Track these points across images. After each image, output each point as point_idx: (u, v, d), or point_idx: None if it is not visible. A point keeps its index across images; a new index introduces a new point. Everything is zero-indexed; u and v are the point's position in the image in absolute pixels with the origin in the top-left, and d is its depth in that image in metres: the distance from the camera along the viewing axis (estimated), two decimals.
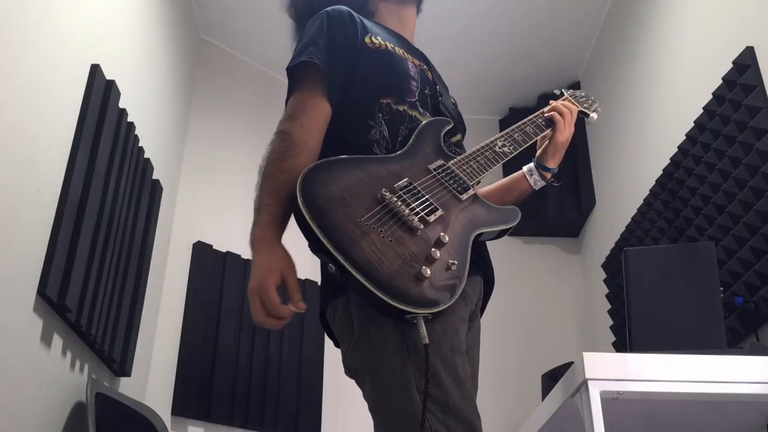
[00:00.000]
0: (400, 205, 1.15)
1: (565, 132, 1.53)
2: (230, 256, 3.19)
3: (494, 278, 1.40)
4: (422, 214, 1.16)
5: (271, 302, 1.10)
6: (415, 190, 1.20)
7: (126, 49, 2.47)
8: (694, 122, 2.46)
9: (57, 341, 1.88)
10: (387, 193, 1.16)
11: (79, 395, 2.04)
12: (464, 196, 1.26)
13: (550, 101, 1.61)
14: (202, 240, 3.15)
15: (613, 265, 3.20)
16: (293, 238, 1.17)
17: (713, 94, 2.32)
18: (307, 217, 1.07)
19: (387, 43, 1.43)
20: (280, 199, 1.18)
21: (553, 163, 1.53)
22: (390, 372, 1.11)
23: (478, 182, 1.35)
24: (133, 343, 2.42)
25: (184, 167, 3.32)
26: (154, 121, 2.81)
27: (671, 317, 1.74)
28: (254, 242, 1.17)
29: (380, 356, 1.13)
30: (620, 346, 3.02)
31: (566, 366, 1.75)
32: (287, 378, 3.15)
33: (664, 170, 2.68)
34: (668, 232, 2.64)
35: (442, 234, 1.13)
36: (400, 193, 1.18)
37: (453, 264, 1.12)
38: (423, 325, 1.05)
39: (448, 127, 1.41)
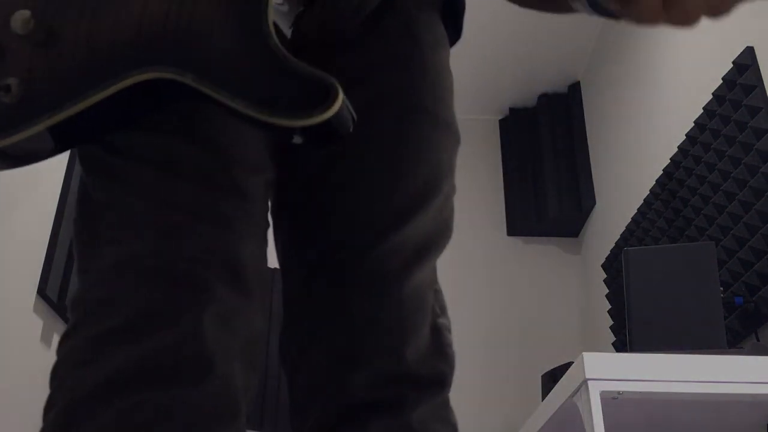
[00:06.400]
0: None
1: None
2: None
3: None
4: None
5: None
6: None
7: None
8: (694, 122, 2.46)
9: (57, 341, 1.88)
10: None
11: None
12: None
13: None
14: None
15: (613, 265, 3.20)
16: None
17: (713, 94, 2.32)
18: None
19: None
20: None
21: None
22: None
23: None
24: None
25: None
26: None
27: (671, 317, 1.74)
28: None
29: None
30: (620, 346, 3.02)
31: (566, 366, 1.75)
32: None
33: (664, 170, 2.68)
34: (668, 232, 2.63)
35: None
36: None
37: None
38: None
39: None
